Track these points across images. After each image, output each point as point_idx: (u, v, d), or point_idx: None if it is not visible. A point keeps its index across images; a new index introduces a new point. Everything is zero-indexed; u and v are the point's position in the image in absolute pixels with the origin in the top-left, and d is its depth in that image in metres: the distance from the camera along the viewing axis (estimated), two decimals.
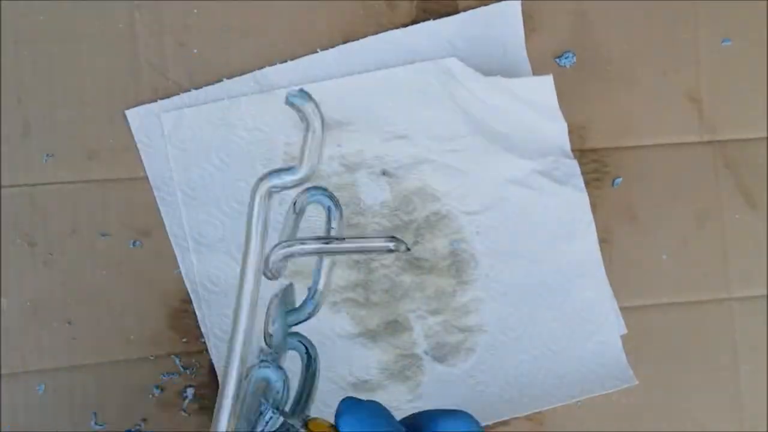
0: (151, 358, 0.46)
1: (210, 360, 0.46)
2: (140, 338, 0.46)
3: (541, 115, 0.47)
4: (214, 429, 0.31)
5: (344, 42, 0.47)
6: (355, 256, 0.46)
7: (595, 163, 0.49)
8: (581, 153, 0.49)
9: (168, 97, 0.46)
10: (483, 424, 0.46)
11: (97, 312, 0.45)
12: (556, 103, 0.46)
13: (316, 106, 0.33)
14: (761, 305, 0.50)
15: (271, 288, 0.33)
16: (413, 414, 0.33)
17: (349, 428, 0.30)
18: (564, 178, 0.48)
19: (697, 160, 0.49)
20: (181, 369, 0.46)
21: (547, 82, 0.46)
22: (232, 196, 0.46)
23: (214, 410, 0.31)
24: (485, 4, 0.48)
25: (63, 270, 0.45)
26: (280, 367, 0.32)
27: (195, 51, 0.46)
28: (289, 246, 0.33)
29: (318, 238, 0.33)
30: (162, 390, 0.46)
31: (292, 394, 0.33)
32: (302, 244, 0.33)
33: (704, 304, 0.49)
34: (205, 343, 0.46)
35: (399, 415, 0.32)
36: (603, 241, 0.48)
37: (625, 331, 0.48)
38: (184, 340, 0.46)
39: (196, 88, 0.46)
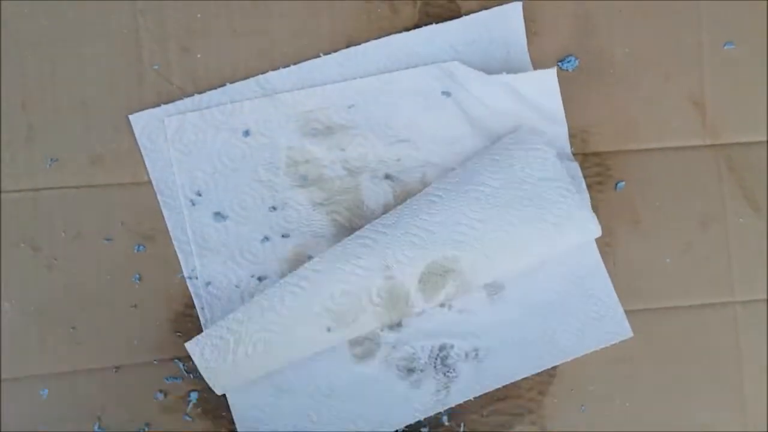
0: (155, 362, 0.46)
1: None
2: (144, 343, 0.45)
3: (543, 117, 0.47)
4: None
5: (347, 46, 0.47)
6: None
7: (598, 167, 0.49)
8: (584, 156, 0.49)
9: (171, 101, 0.46)
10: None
11: (100, 316, 0.45)
12: (559, 97, 0.46)
13: None
14: (765, 308, 0.49)
15: None
16: None
17: None
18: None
19: (700, 163, 0.49)
20: (185, 373, 0.46)
21: (550, 75, 0.46)
22: (235, 199, 0.46)
23: None
24: (487, 8, 0.48)
25: (67, 274, 0.45)
26: None
27: (198, 55, 0.46)
28: None
29: None
30: (165, 394, 0.46)
31: None
32: None
33: (708, 307, 0.49)
34: None
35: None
36: (606, 245, 0.48)
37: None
38: None
39: (199, 93, 0.46)
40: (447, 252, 0.44)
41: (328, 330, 0.44)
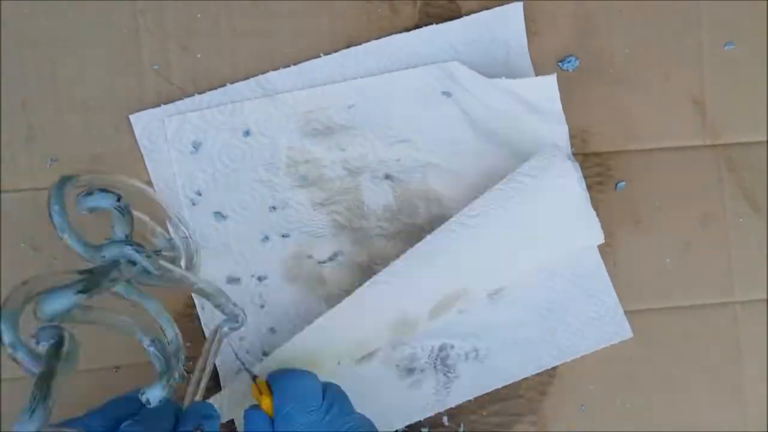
0: None
1: (214, 364, 0.46)
2: None
3: (543, 118, 0.47)
4: None
5: (347, 46, 0.47)
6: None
7: (598, 167, 0.49)
8: (584, 156, 0.49)
9: (172, 101, 0.46)
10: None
11: None
12: (559, 103, 0.46)
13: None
14: (764, 308, 0.49)
15: None
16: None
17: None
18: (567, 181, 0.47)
19: (700, 163, 0.49)
20: (185, 373, 0.46)
21: (550, 81, 0.46)
22: (235, 199, 0.46)
23: None
24: (488, 8, 0.48)
25: None
26: None
27: (198, 56, 0.46)
28: None
29: None
30: None
31: None
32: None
33: (708, 307, 0.49)
34: None
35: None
36: (606, 245, 0.48)
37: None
38: (188, 344, 0.46)
39: (199, 93, 0.46)
40: (459, 286, 0.45)
41: (338, 363, 0.45)
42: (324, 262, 0.47)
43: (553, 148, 0.45)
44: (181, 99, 0.46)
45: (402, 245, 0.47)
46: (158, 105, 0.46)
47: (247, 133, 0.46)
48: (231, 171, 0.46)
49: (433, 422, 0.47)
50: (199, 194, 0.46)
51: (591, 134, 0.49)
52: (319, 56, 0.47)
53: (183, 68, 0.46)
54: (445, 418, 0.47)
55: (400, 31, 0.47)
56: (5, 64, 0.45)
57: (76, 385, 0.45)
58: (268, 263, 0.46)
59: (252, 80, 0.46)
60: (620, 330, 0.47)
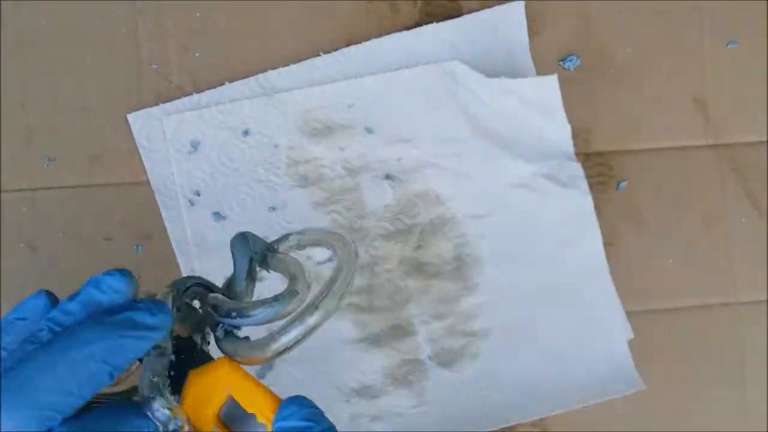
0: None
1: None
2: None
3: (544, 118, 0.47)
4: None
5: (347, 45, 0.47)
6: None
7: (600, 167, 0.49)
8: (586, 156, 0.48)
9: (170, 100, 0.46)
10: (489, 429, 0.45)
11: None
12: (561, 103, 0.46)
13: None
14: (767, 309, 0.49)
15: None
16: None
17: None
18: (568, 181, 0.47)
19: (703, 163, 0.49)
20: None
21: (552, 81, 0.46)
22: (234, 199, 0.46)
23: None
24: (488, 6, 0.48)
25: (65, 274, 0.45)
26: None
27: (197, 54, 0.46)
28: None
29: None
30: None
31: None
32: None
33: (711, 308, 0.49)
34: None
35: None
36: (608, 245, 0.47)
37: (631, 335, 0.47)
38: None
39: (198, 92, 0.46)
40: None
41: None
42: (323, 263, 0.46)
43: (559, 151, 0.45)
44: (180, 98, 0.46)
45: (402, 245, 0.47)
46: (157, 104, 0.46)
47: (246, 133, 0.46)
48: (230, 171, 0.46)
49: None
50: (198, 194, 0.46)
51: (592, 134, 0.48)
52: (319, 55, 0.47)
53: (182, 67, 0.46)
54: None
55: (400, 30, 0.47)
56: (5, 64, 0.45)
57: None
58: None
59: (251, 79, 0.46)
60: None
